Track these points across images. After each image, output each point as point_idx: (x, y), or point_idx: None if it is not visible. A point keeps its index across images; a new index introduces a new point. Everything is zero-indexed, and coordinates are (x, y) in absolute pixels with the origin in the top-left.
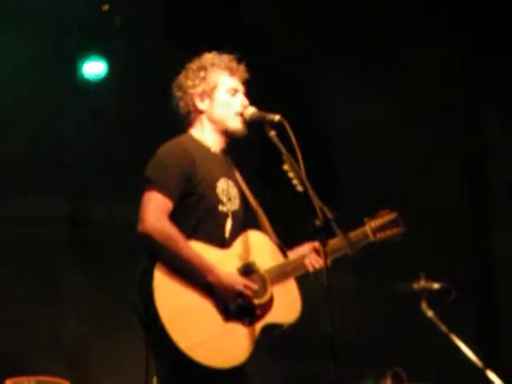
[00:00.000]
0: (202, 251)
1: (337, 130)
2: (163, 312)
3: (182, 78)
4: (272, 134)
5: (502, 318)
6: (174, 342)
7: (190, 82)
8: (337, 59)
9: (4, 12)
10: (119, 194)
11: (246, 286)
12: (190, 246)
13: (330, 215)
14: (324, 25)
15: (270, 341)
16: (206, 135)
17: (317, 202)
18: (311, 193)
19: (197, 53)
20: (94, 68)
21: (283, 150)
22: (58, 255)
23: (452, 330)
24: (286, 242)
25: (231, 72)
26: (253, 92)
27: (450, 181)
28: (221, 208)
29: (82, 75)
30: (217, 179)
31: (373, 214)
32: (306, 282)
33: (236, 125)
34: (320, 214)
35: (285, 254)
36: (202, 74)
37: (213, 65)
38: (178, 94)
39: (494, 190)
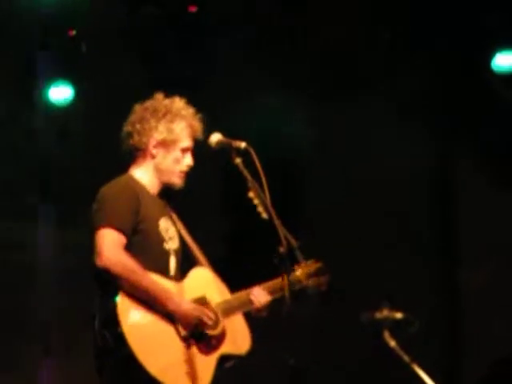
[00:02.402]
0: (159, 282)
1: (303, 160)
2: (130, 337)
3: (147, 113)
4: (238, 161)
5: (466, 349)
6: (143, 366)
7: (153, 124)
8: (303, 92)
9: None
10: (86, 219)
11: (205, 314)
12: (149, 275)
13: (294, 243)
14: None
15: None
16: (147, 178)
17: (281, 230)
18: (276, 220)
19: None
20: (60, 93)
21: (248, 177)
22: (29, 280)
23: (414, 360)
24: (251, 271)
25: (192, 131)
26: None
27: (417, 212)
28: (165, 246)
29: (49, 100)
30: (158, 218)
31: (299, 263)
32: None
33: (177, 181)
34: (284, 242)
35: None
36: (169, 122)
37: (182, 117)
38: (137, 127)
39: (460, 223)
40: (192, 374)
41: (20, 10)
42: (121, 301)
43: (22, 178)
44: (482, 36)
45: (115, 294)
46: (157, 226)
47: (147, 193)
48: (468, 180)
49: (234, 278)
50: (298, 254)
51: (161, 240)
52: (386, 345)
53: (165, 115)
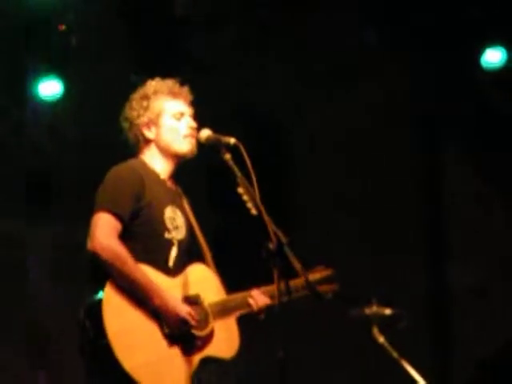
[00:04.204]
0: (150, 276)
1: (294, 155)
2: (110, 329)
3: (127, 109)
4: (227, 156)
5: (455, 345)
6: (118, 359)
7: (134, 113)
8: (293, 84)
9: None
10: (76, 214)
11: (189, 315)
12: (139, 267)
13: (283, 239)
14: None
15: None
16: (156, 162)
17: (271, 226)
18: (265, 216)
19: (152, 74)
20: (49, 88)
21: (238, 173)
22: (19, 277)
23: (403, 356)
24: (239, 268)
25: (174, 96)
26: (210, 115)
27: (406, 209)
28: (166, 235)
29: (38, 95)
30: (165, 206)
31: (309, 268)
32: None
33: (184, 147)
34: (274, 238)
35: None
36: (145, 103)
37: (155, 92)
38: (126, 125)
39: (450, 219)
40: (169, 374)
41: (8, 4)
42: (107, 292)
43: (10, 174)
44: (470, 31)
45: (103, 284)
46: (161, 213)
47: (156, 178)
48: (454, 177)
49: (222, 275)
50: (288, 250)
51: (163, 228)
52: (375, 341)
53: (142, 100)
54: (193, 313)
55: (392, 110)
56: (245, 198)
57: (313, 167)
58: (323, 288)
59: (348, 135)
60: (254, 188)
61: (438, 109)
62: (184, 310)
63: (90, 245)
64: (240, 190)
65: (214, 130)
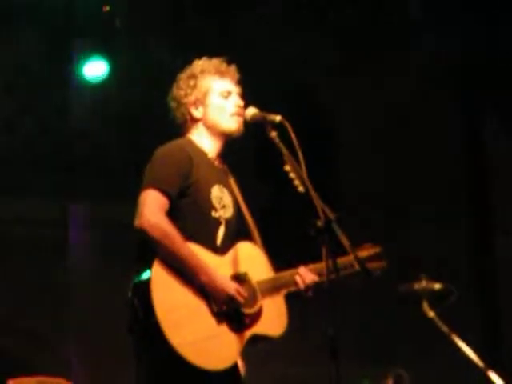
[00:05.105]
0: (198, 254)
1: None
2: (159, 307)
3: (174, 89)
4: (273, 134)
5: (503, 319)
6: (166, 337)
7: (182, 92)
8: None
9: (5, 14)
10: (121, 195)
11: (238, 292)
12: (187, 245)
13: (331, 216)
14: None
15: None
16: (203, 141)
17: (318, 203)
18: (312, 193)
19: (199, 53)
20: (95, 69)
21: (284, 151)
22: (56, 256)
23: (454, 331)
24: (287, 246)
25: (221, 75)
26: (256, 93)
27: (451, 181)
28: (213, 214)
29: (83, 76)
30: (212, 185)
31: (357, 245)
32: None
33: (231, 126)
34: (321, 215)
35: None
36: (192, 82)
37: (202, 71)
38: (173, 105)
39: (497, 190)
40: (217, 351)
41: None
42: (155, 269)
43: (55, 154)
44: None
45: (150, 262)
46: (208, 192)
47: (204, 156)
48: (500, 147)
49: (269, 253)
50: (336, 226)
51: (209, 207)
52: (425, 315)
53: (189, 79)
54: (241, 290)
55: (435, 81)
56: (292, 175)
57: (358, 143)
58: (372, 265)
59: (388, 109)
60: (300, 165)
61: (478, 81)
62: (232, 287)
63: (137, 222)
64: (287, 167)
65: (261, 108)
